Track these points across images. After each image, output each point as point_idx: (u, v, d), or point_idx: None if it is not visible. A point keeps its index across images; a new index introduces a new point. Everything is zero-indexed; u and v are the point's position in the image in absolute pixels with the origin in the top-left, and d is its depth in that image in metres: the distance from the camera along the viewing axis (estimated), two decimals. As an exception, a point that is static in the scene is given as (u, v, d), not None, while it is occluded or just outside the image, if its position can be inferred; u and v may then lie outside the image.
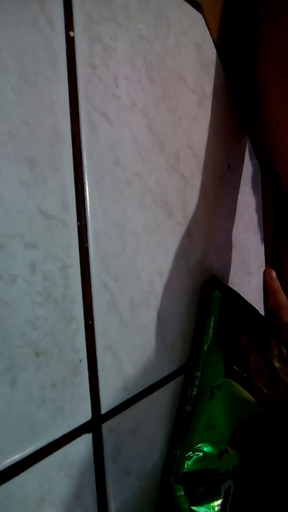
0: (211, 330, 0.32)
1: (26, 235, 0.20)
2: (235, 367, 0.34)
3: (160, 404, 0.30)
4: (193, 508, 0.29)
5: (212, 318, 0.33)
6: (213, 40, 0.34)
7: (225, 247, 0.35)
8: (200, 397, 0.31)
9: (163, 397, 0.30)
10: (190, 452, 0.30)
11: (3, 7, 0.19)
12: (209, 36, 0.33)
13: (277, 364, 0.36)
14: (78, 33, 0.22)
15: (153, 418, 0.29)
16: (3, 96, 0.19)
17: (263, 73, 0.34)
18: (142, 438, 0.28)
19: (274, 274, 0.46)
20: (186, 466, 0.30)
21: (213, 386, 0.32)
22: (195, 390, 0.31)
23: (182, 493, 0.29)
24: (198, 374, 0.32)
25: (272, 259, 0.48)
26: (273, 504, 0.33)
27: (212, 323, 0.33)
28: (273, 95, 0.33)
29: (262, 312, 0.45)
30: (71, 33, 0.22)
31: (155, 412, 0.29)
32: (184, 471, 0.30)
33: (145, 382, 0.28)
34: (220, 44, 0.34)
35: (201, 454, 0.31)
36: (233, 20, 0.35)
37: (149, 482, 0.29)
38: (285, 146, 0.33)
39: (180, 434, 0.30)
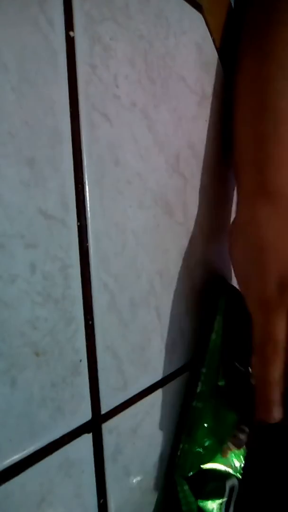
0: (218, 328, 0.33)
1: (26, 235, 0.20)
2: (237, 365, 0.34)
3: (160, 404, 0.30)
4: (199, 503, 0.29)
5: (218, 317, 0.33)
6: (213, 40, 0.34)
7: (225, 247, 0.35)
8: (206, 393, 0.31)
9: (163, 397, 0.30)
10: (196, 448, 0.30)
11: (3, 7, 0.19)
12: (209, 36, 0.33)
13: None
14: (78, 33, 0.22)
15: (153, 418, 0.29)
16: (3, 96, 0.19)
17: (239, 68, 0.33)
18: (142, 438, 0.28)
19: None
20: (191, 461, 0.30)
21: (219, 383, 0.32)
22: (202, 386, 0.32)
23: (188, 487, 0.29)
24: (204, 370, 0.32)
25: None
26: (277, 503, 0.33)
27: (219, 322, 0.33)
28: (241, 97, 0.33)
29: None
30: (71, 33, 0.22)
31: (155, 412, 0.29)
32: (190, 466, 0.30)
33: (145, 382, 0.28)
34: (220, 44, 0.34)
35: (206, 450, 0.31)
36: (233, 20, 0.35)
37: (149, 482, 0.29)
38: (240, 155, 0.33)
39: (186, 429, 0.31)
